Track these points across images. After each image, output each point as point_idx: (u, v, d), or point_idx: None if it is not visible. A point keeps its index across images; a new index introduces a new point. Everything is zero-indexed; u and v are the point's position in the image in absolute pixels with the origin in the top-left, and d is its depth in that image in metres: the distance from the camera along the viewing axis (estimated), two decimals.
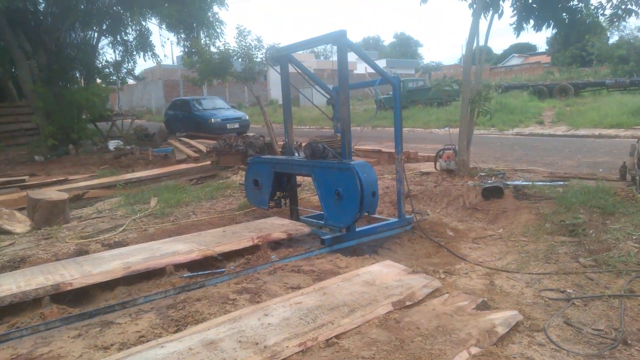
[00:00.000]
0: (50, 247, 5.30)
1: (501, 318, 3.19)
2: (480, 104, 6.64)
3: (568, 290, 3.72)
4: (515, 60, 56.91)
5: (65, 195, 6.62)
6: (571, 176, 6.62)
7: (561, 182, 6.21)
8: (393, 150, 9.89)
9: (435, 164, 7.40)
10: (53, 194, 6.66)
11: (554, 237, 4.83)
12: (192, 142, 13.52)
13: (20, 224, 6.12)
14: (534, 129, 15.72)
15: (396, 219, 5.53)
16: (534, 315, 3.34)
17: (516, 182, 6.30)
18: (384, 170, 8.20)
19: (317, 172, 5.08)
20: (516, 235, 5.12)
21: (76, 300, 3.83)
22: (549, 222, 5.14)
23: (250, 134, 12.53)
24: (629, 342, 2.93)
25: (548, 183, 6.21)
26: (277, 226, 5.34)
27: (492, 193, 5.94)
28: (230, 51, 11.45)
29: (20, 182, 8.88)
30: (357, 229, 5.17)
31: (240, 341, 3.01)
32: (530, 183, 6.21)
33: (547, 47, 48.53)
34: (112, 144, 13.99)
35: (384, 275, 4.03)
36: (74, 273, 3.91)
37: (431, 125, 18.71)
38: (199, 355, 2.85)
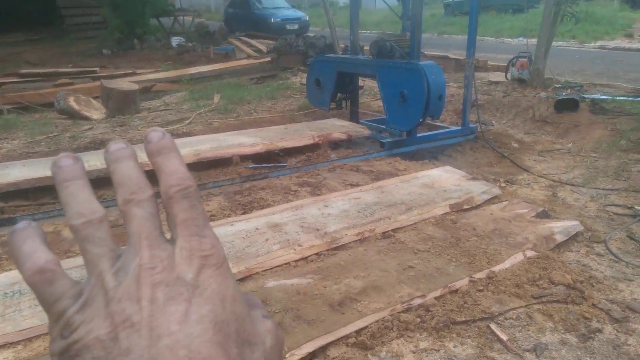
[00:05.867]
0: (125, 133, 5.66)
1: (561, 227, 3.18)
2: (567, 6, 6.01)
3: (636, 207, 3.61)
4: None
5: (135, 86, 6.90)
6: None
7: None
8: (460, 57, 9.36)
9: (506, 73, 6.98)
10: (124, 84, 6.96)
11: (628, 155, 4.58)
12: (252, 42, 13.38)
13: (96, 110, 6.51)
14: (621, 42, 14.21)
15: (459, 127, 5.40)
16: (596, 228, 3.30)
17: (594, 96, 5.87)
18: (449, 78, 7.82)
19: (382, 72, 4.95)
20: (586, 150, 4.90)
21: (153, 180, 4.15)
22: (625, 139, 4.84)
23: (311, 35, 12.17)
24: None
25: (630, 98, 5.75)
26: (337, 127, 5.38)
27: (566, 106, 5.60)
28: None
29: (92, 73, 9.29)
30: (418, 135, 5.12)
31: (302, 226, 3.22)
32: (610, 97, 5.77)
33: None
34: (174, 41, 14.07)
35: (443, 180, 4.05)
36: None
37: (503, 34, 17.29)
38: (265, 235, 3.09)
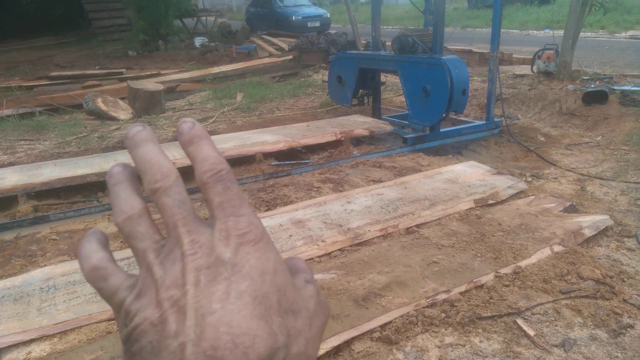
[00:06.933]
0: None
1: (589, 221, 3.11)
2: None
3: None
4: None
5: (160, 87, 7.03)
6: None
7: None
8: (484, 51, 9.21)
9: (532, 66, 6.84)
10: (150, 85, 7.10)
11: None
12: (274, 40, 13.45)
13: (123, 111, 6.66)
14: None
15: (483, 122, 5.32)
16: (626, 222, 3.21)
17: (624, 87, 5.70)
18: (473, 72, 7.73)
19: (405, 68, 4.92)
20: (616, 143, 4.76)
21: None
22: None
23: (332, 32, 12.16)
24: None
25: None
26: (360, 123, 5.37)
27: (595, 98, 5.45)
28: None
29: (118, 75, 9.50)
30: (442, 130, 5.07)
31: (325, 222, 3.23)
32: None
33: None
34: (197, 41, 14.26)
35: (467, 175, 4.01)
36: (176, 154, 4.28)
37: (529, 27, 16.94)
38: (288, 231, 3.12)
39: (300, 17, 16.98)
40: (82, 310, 2.31)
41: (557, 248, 2.81)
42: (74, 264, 2.74)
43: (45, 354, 2.11)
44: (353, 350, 2.13)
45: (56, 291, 2.47)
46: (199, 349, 0.28)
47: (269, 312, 0.30)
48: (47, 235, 3.25)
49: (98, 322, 2.27)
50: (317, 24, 16.98)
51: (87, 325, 2.26)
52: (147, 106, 6.72)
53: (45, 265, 2.81)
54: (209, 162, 0.32)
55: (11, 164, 4.69)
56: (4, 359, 2.09)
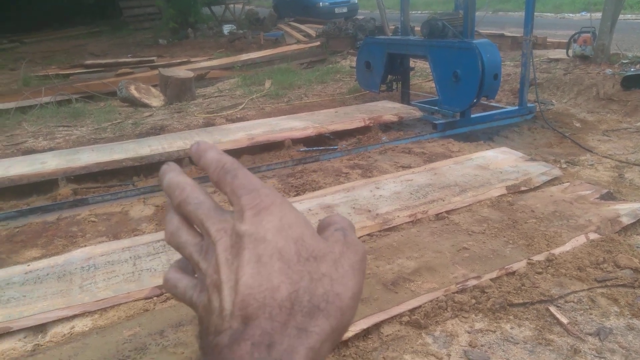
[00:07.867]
0: (182, 119, 5.89)
1: (628, 209, 3.02)
2: None
3: None
4: None
5: (191, 74, 7.13)
6: None
7: None
8: (517, 35, 8.95)
9: (567, 50, 6.61)
10: (181, 72, 7.21)
11: None
12: (302, 27, 13.41)
13: (155, 98, 6.80)
14: None
15: (516, 107, 5.20)
16: None
17: None
18: (505, 57, 7.52)
19: (434, 52, 4.83)
20: None
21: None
22: None
23: (360, 17, 12.03)
24: None
25: None
26: (388, 109, 5.33)
27: (634, 82, 5.25)
28: None
29: (150, 63, 9.67)
30: (472, 115, 4.99)
31: (354, 207, 3.25)
32: None
33: None
34: (226, 28, 14.34)
35: (499, 161, 3.94)
36: (207, 140, 4.36)
37: (564, 9, 16.36)
38: (317, 216, 3.14)
39: (327, 3, 16.85)
40: (121, 289, 2.41)
41: (592, 236, 2.74)
42: (112, 245, 2.84)
43: (87, 329, 2.21)
44: (382, 333, 2.15)
45: (96, 270, 2.58)
46: (234, 316, 0.33)
47: (288, 264, 0.34)
48: (87, 217, 3.38)
49: (136, 300, 2.36)
50: (345, 10, 16.82)
51: (125, 303, 2.35)
52: (178, 93, 6.83)
53: (85, 246, 2.92)
54: (214, 162, 0.37)
55: (51, 149, 4.87)
56: (49, 333, 2.20)
